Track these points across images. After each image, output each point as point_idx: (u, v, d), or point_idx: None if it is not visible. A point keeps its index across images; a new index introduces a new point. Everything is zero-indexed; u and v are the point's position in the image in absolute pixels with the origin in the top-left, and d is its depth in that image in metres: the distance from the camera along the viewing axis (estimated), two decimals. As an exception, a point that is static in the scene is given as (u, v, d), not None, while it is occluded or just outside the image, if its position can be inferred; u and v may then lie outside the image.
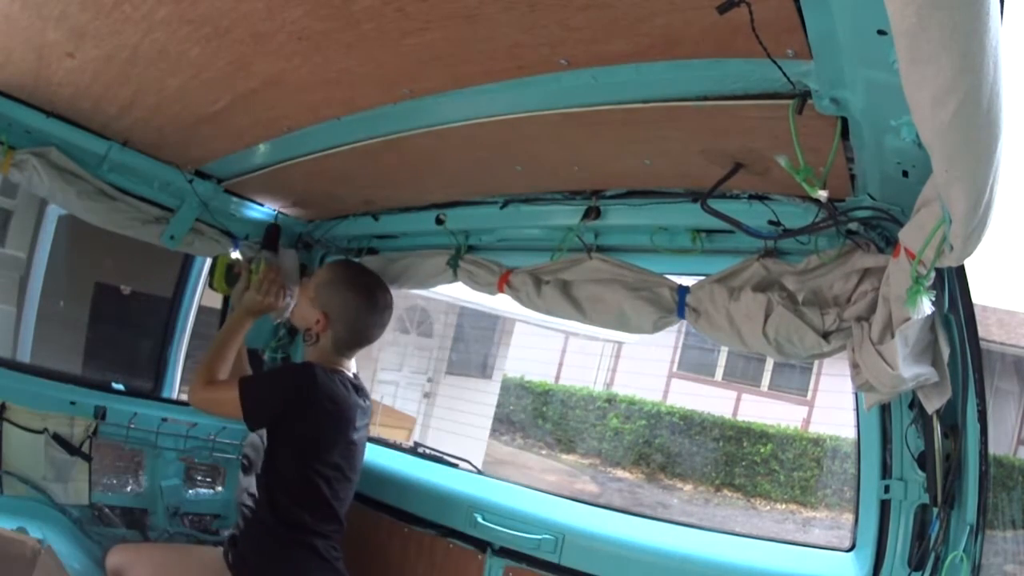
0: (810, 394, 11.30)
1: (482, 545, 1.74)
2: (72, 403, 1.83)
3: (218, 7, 1.02)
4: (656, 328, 1.44)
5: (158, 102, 1.43)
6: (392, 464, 2.04)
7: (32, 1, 1.13)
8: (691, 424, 10.67)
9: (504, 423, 11.40)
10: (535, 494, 1.96)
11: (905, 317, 1.00)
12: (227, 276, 1.85)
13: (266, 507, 1.56)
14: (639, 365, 11.50)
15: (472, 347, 9.95)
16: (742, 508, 9.76)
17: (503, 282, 1.64)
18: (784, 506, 9.86)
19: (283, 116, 1.40)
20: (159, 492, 1.97)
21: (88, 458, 1.83)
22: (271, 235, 2.02)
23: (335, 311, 1.65)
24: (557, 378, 12.42)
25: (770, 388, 11.66)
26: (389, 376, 9.14)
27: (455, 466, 2.06)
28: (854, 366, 1.16)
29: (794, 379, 11.44)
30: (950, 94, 0.61)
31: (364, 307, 1.67)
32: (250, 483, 1.60)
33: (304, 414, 1.55)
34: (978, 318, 1.16)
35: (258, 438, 1.60)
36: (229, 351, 1.71)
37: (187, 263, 2.24)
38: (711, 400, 10.92)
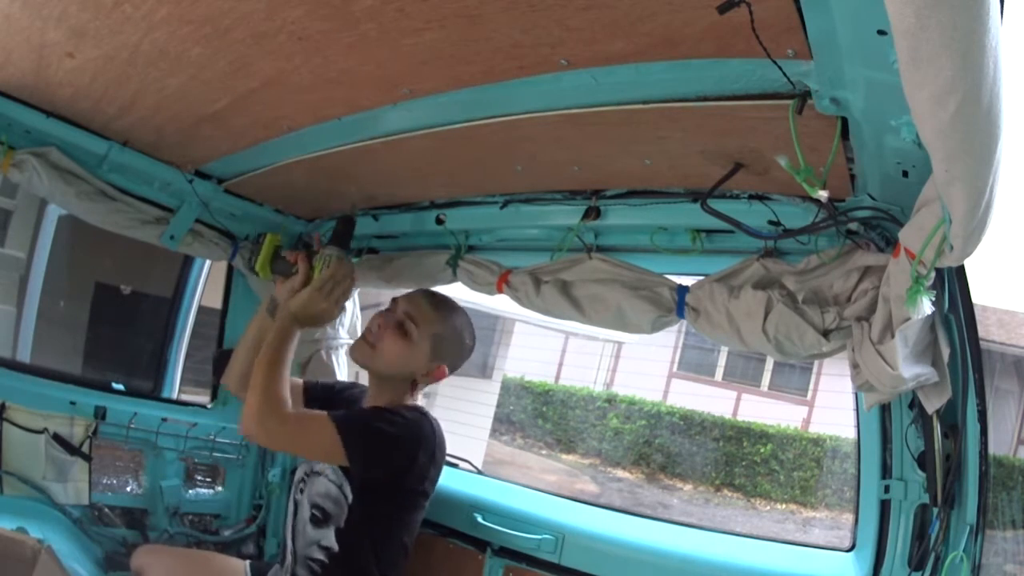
0: (810, 394, 11.31)
1: (482, 545, 1.74)
2: (72, 403, 1.82)
3: (218, 7, 1.02)
4: (654, 328, 1.44)
5: (158, 102, 1.42)
6: (392, 464, 2.03)
7: (32, 1, 1.12)
8: (691, 424, 10.66)
9: (504, 423, 11.40)
10: (535, 494, 1.96)
11: (905, 317, 1.00)
12: (273, 261, 1.59)
13: (345, 563, 1.48)
14: (639, 365, 11.51)
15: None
16: (742, 508, 9.76)
17: (502, 282, 1.64)
18: (784, 506, 9.86)
19: (283, 116, 1.40)
20: (159, 492, 1.97)
21: (88, 458, 1.83)
22: (344, 229, 1.57)
23: (451, 363, 1.60)
24: (557, 378, 12.42)
25: (770, 388, 11.67)
26: (389, 376, 9.12)
27: (455, 466, 2.05)
28: (854, 366, 1.16)
29: (794, 379, 11.45)
30: (950, 94, 0.61)
31: (469, 356, 1.67)
32: (322, 536, 1.49)
33: (427, 475, 1.50)
34: (978, 318, 1.16)
35: (336, 488, 1.48)
36: (285, 368, 1.43)
37: (187, 263, 2.24)
38: (711, 400, 10.92)
